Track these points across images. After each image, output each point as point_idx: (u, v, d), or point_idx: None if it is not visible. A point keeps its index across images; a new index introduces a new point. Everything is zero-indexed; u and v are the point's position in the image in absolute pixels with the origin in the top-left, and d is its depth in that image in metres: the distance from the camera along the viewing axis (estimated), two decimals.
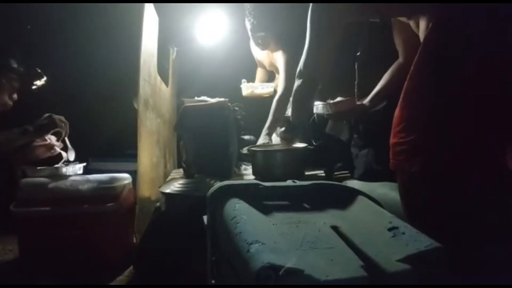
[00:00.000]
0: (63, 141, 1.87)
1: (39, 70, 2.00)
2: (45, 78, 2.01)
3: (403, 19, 1.22)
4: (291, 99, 1.53)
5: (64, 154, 1.86)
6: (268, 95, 2.62)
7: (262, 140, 2.19)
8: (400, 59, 1.44)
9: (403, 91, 1.03)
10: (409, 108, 0.99)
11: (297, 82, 1.35)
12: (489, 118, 0.91)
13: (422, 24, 1.05)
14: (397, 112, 1.03)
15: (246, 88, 2.56)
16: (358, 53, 1.73)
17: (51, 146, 1.83)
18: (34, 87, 2.01)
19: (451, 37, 0.94)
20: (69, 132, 1.87)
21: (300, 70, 1.33)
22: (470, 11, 0.93)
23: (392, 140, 1.03)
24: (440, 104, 0.94)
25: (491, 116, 0.91)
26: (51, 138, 1.84)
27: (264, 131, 2.22)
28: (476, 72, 0.91)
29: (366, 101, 1.55)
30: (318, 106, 1.60)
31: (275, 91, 2.65)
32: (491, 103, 0.91)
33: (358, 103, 1.56)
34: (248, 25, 2.35)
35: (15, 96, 1.88)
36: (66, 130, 1.85)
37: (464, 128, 0.92)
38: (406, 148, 0.98)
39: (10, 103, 1.87)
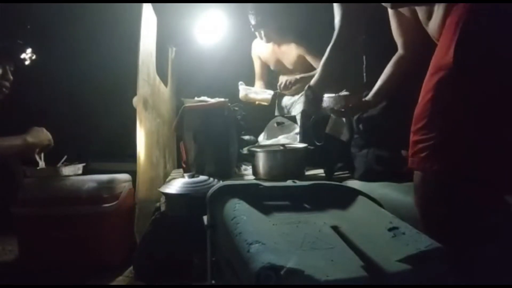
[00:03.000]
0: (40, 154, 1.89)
1: (21, 42, 1.93)
2: (30, 50, 1.95)
3: (406, 10, 1.20)
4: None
5: (40, 163, 1.87)
6: (266, 103, 2.61)
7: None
8: (401, 51, 1.41)
9: (424, 85, 0.97)
10: (434, 103, 0.92)
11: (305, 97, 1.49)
12: None
13: (439, 12, 0.99)
14: (419, 107, 0.97)
15: (243, 91, 2.56)
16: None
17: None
18: (27, 62, 1.94)
19: (494, 31, 0.87)
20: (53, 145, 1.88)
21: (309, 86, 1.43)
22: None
23: (412, 137, 0.98)
24: (474, 103, 0.88)
25: None
26: None
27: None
28: None
29: (369, 97, 1.53)
30: (327, 99, 1.59)
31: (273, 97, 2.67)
32: None
33: (364, 99, 1.55)
34: (252, 21, 2.41)
35: (9, 76, 1.78)
36: (51, 146, 1.88)
37: (497, 131, 0.88)
38: (428, 145, 0.93)
39: (6, 84, 1.78)
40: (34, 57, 1.95)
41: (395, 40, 1.40)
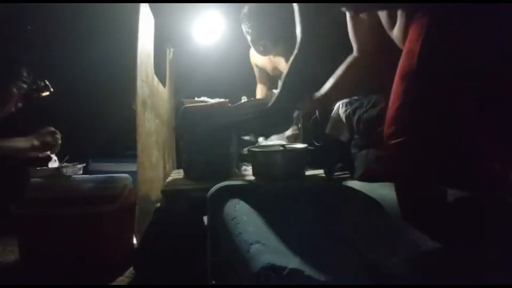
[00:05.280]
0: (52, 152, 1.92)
1: (47, 83, 2.02)
2: (52, 90, 2.03)
3: (366, 15, 1.21)
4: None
5: (53, 157, 1.88)
6: None
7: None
8: (356, 54, 1.40)
9: (393, 91, 1.00)
10: (403, 110, 0.97)
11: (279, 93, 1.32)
12: (484, 127, 0.89)
13: (402, 20, 1.03)
14: (389, 113, 1.01)
15: None
16: None
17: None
18: (36, 95, 2.02)
19: (456, 40, 0.90)
20: (63, 141, 1.93)
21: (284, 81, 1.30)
22: (474, 11, 0.89)
23: (386, 141, 1.01)
24: (434, 109, 0.92)
25: (486, 124, 0.89)
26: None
27: None
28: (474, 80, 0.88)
29: (321, 95, 1.51)
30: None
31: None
32: (487, 111, 0.88)
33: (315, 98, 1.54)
34: (247, 36, 2.40)
35: (19, 104, 1.91)
36: (59, 143, 1.90)
37: (453, 136, 0.91)
38: (399, 148, 0.96)
39: (13, 110, 1.89)
40: (49, 93, 2.03)
41: (352, 42, 1.38)
